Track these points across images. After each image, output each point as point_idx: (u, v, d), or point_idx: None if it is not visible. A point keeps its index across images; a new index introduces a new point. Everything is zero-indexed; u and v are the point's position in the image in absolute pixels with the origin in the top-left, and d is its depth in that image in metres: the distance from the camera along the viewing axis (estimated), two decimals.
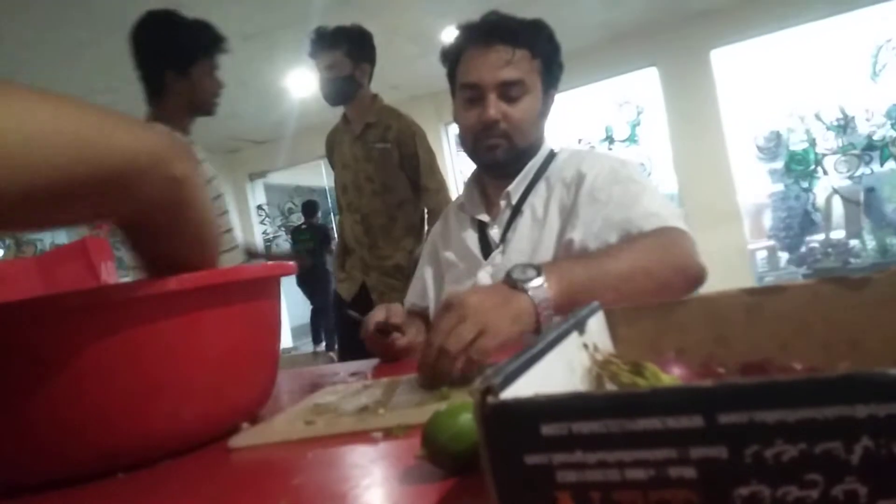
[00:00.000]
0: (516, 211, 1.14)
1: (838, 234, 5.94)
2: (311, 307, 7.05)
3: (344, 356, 2.36)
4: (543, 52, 1.12)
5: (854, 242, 5.87)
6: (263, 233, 7.92)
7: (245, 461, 0.62)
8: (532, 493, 0.29)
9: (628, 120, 5.89)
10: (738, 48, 5.40)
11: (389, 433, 0.60)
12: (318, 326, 7.13)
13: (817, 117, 5.35)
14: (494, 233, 1.16)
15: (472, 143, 1.15)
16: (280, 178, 8.11)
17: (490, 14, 1.13)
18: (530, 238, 1.10)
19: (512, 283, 0.79)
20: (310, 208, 6.85)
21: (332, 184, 2.60)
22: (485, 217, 1.20)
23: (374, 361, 1.15)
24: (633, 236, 0.95)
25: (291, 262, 0.79)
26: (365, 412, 0.69)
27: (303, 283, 6.70)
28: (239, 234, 2.09)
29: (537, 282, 0.77)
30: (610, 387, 0.47)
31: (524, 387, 0.34)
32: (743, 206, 5.70)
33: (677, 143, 5.45)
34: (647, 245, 0.90)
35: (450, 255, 1.24)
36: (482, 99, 1.09)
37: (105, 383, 0.58)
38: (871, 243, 5.83)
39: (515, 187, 1.15)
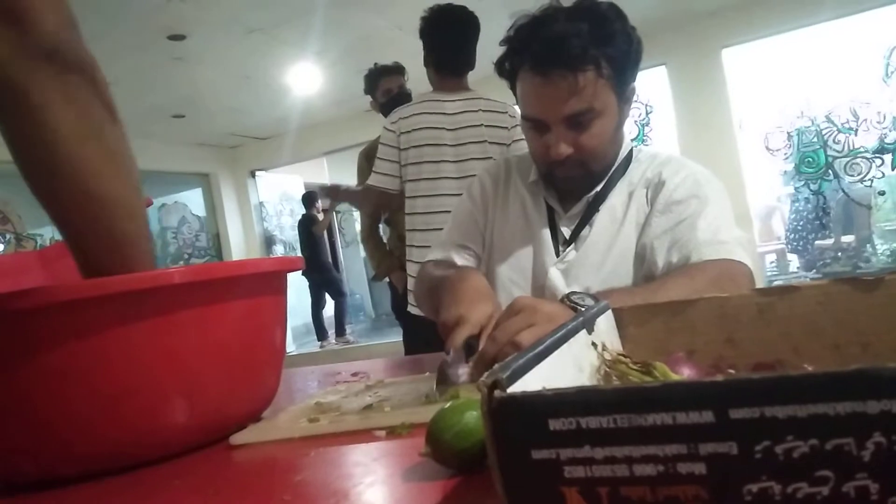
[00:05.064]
0: (593, 209, 1.08)
1: (849, 238, 5.89)
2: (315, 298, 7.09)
3: (410, 350, 2.33)
4: (613, 58, 0.96)
5: (864, 247, 5.81)
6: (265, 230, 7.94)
7: (247, 458, 0.62)
8: (539, 489, 0.29)
9: (636, 119, 5.87)
10: (750, 47, 5.37)
11: (393, 431, 0.60)
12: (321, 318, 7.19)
13: (828, 119, 5.32)
14: (565, 229, 1.10)
15: (545, 170, 1.08)
16: (278, 176, 8.13)
17: (546, 23, 0.96)
18: (607, 237, 1.06)
19: (572, 305, 0.78)
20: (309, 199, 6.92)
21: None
22: (559, 208, 1.12)
23: (380, 362, 1.15)
24: (692, 265, 0.93)
25: (299, 257, 0.79)
26: (369, 410, 0.69)
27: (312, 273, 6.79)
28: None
29: None
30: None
31: (532, 382, 0.34)
32: (753, 208, 5.67)
33: (686, 144, 5.42)
34: (703, 280, 0.87)
35: (510, 223, 1.15)
36: (548, 130, 0.99)
37: (108, 380, 0.58)
38: (881, 248, 5.78)
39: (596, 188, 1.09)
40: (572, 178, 1.06)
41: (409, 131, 2.07)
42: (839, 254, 5.85)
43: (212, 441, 0.67)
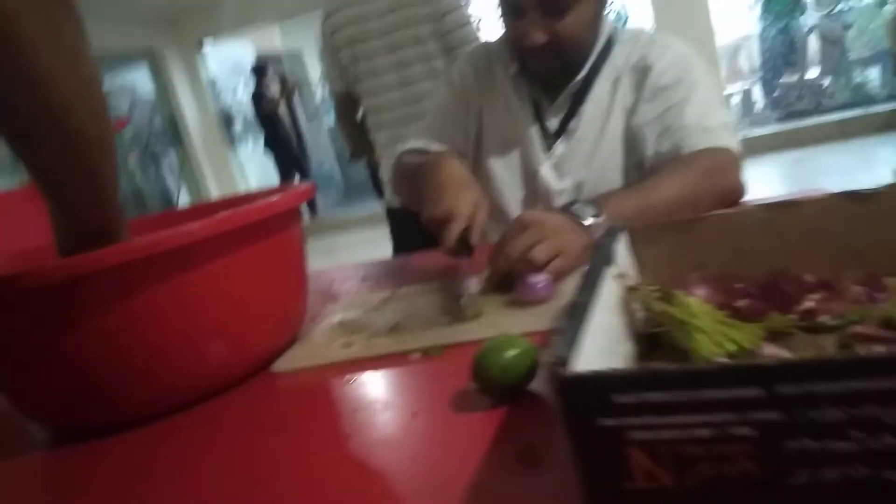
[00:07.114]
0: (579, 100, 1.07)
1: (814, 74, 5.91)
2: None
3: (399, 250, 2.27)
4: None
5: (828, 81, 5.86)
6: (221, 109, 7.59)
7: (294, 388, 0.68)
8: (606, 450, 0.34)
9: None
10: None
11: (427, 353, 0.65)
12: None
13: None
14: (552, 123, 1.08)
15: (519, 58, 1.04)
16: (228, 47, 7.64)
17: None
18: (596, 128, 1.06)
19: (574, 217, 0.80)
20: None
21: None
22: (544, 101, 1.09)
23: (379, 266, 1.19)
24: (682, 159, 0.95)
25: (309, 187, 0.79)
26: (399, 330, 0.74)
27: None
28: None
29: (595, 220, 0.80)
30: (640, 315, 0.51)
31: (586, 347, 0.38)
32: (720, 48, 5.60)
33: None
34: (696, 172, 0.90)
35: (495, 118, 1.13)
36: (523, 15, 0.95)
37: (159, 327, 0.62)
38: (845, 81, 5.83)
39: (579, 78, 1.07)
40: (547, 70, 1.04)
41: (334, 31, 1.95)
42: (802, 92, 5.89)
43: (254, 372, 0.72)
